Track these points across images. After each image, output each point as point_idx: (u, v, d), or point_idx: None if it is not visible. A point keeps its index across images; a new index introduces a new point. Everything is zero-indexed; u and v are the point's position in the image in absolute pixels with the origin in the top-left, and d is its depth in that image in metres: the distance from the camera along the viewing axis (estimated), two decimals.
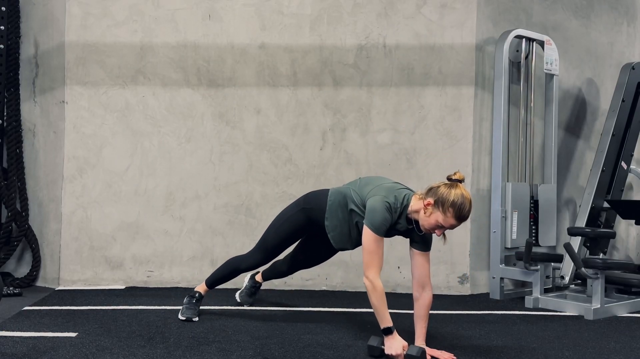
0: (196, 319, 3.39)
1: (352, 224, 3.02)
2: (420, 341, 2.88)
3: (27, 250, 4.44)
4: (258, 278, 3.80)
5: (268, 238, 3.31)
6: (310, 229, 3.23)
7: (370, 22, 4.45)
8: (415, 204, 2.79)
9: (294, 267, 3.58)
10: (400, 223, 2.84)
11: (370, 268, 2.73)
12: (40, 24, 4.46)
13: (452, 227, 2.70)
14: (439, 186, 2.71)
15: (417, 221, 2.80)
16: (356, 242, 3.06)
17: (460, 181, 2.74)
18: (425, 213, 2.72)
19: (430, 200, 2.69)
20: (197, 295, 3.50)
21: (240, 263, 3.42)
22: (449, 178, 2.76)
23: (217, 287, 3.57)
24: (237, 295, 3.82)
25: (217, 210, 4.41)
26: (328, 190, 3.14)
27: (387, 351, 2.74)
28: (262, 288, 4.05)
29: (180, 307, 3.50)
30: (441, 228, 2.71)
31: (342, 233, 3.06)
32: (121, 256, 4.35)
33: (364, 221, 2.80)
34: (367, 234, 2.76)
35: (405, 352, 2.73)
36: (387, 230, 2.81)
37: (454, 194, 2.65)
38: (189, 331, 3.16)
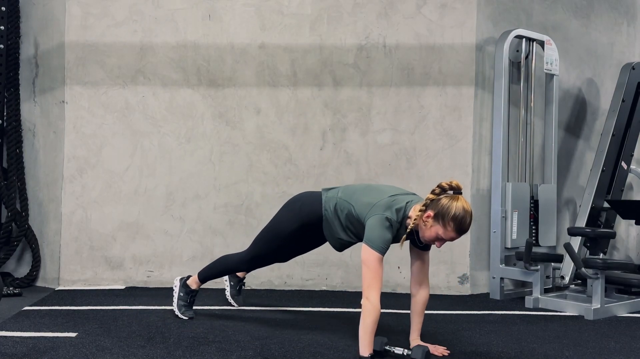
0: (193, 316, 3.42)
1: (350, 234, 2.98)
2: (415, 335, 2.91)
3: (27, 250, 4.44)
4: (240, 274, 3.80)
5: (260, 249, 3.25)
6: (305, 234, 3.15)
7: (370, 22, 4.45)
8: (415, 215, 2.71)
9: (290, 257, 3.44)
10: (400, 233, 2.78)
11: (371, 288, 2.63)
12: (40, 24, 4.45)
13: (452, 240, 2.67)
14: (439, 199, 2.65)
15: (417, 232, 2.75)
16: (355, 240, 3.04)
17: (461, 192, 2.70)
18: (425, 225, 2.66)
19: (431, 212, 2.64)
20: (193, 292, 3.48)
21: (229, 264, 3.39)
22: (442, 187, 2.69)
23: (218, 288, 3.55)
24: (228, 297, 3.78)
25: (217, 210, 4.41)
26: (320, 196, 3.04)
27: None
28: (262, 288, 4.06)
29: (175, 301, 3.48)
30: (441, 240, 2.67)
31: (343, 244, 3.04)
32: (121, 256, 4.35)
33: (364, 241, 2.70)
34: (370, 254, 2.66)
35: (410, 354, 2.73)
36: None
37: (455, 207, 2.61)
38: (189, 331, 3.16)
